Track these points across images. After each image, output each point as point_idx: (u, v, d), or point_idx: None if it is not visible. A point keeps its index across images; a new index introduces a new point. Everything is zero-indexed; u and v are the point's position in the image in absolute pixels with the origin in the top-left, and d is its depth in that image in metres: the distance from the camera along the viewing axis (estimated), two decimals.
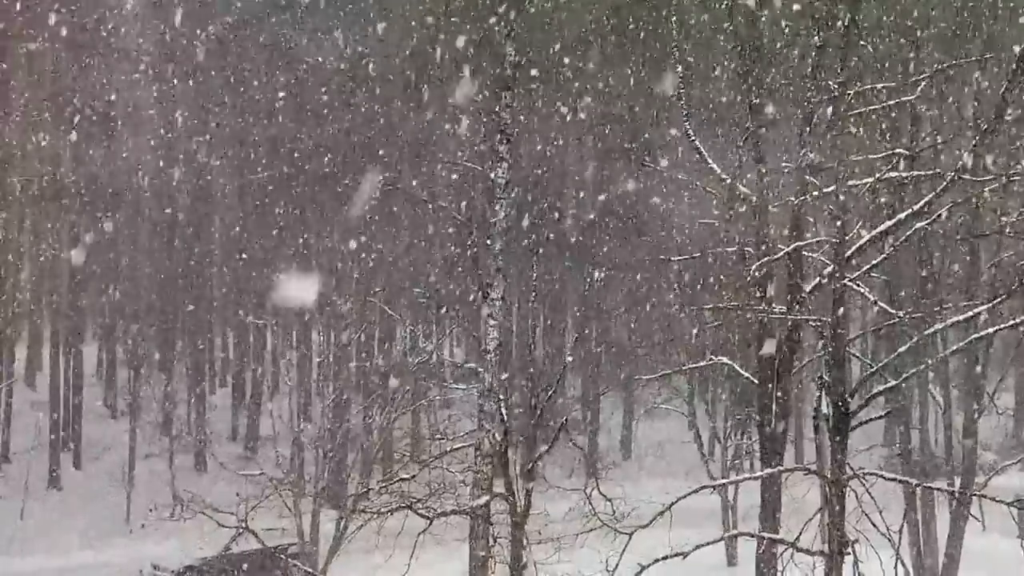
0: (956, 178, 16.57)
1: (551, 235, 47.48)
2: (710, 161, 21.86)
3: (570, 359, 23.83)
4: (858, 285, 17.95)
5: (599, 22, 47.80)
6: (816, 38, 19.59)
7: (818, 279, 19.73)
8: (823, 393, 16.40)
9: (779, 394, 21.16)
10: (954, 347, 20.62)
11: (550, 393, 21.79)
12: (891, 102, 20.51)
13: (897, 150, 19.55)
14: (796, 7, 21.66)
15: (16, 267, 50.02)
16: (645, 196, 45.76)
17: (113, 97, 49.70)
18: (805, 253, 20.38)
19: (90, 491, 45.25)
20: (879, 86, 20.58)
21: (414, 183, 43.93)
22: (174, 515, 31.93)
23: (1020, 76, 15.68)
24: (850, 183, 16.93)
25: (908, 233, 17.60)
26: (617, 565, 16.54)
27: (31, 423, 47.47)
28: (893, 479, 17.91)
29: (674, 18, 27.12)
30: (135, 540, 40.92)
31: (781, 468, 20.71)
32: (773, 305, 20.80)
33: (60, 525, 42.01)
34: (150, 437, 49.39)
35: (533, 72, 35.98)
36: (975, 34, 32.92)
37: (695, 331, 35.07)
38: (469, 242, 23.70)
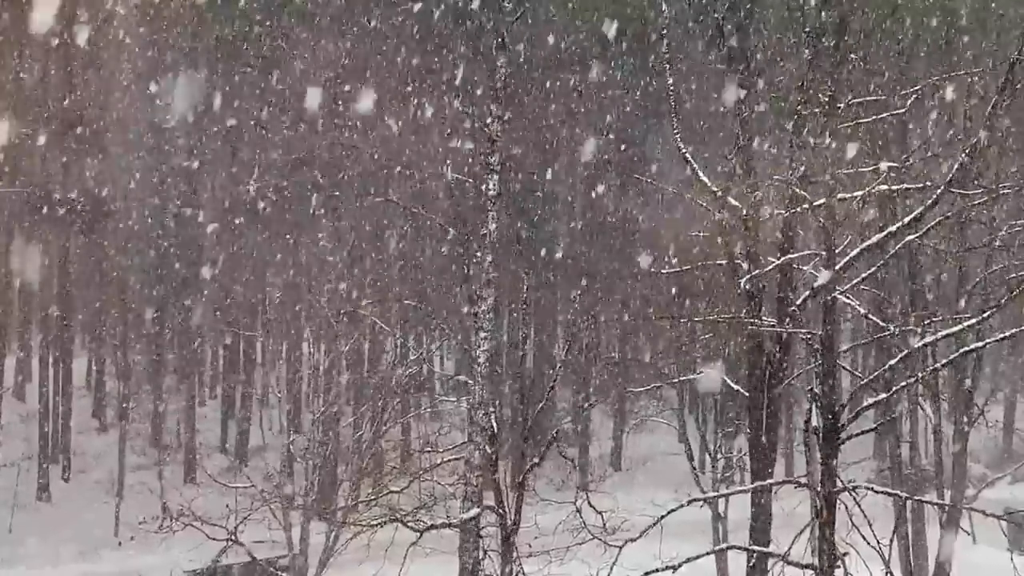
0: (946, 191, 16.56)
1: (543, 246, 47.47)
2: (700, 173, 21.83)
3: (560, 371, 23.69)
4: (848, 298, 17.95)
5: (591, 34, 47.90)
6: (807, 50, 19.61)
7: (808, 292, 19.71)
8: (813, 406, 16.37)
9: (769, 407, 21.13)
10: (944, 360, 20.59)
11: (540, 405, 21.74)
12: (883, 115, 20.50)
13: (887, 163, 19.53)
14: (786, 18, 21.70)
15: (5, 278, 49.83)
16: (636, 208, 45.78)
17: (103, 108, 49.59)
18: (795, 266, 20.37)
19: (79, 503, 45.09)
20: (870, 98, 20.57)
21: (404, 194, 43.88)
22: (163, 527, 31.79)
23: (1010, 88, 15.69)
24: (840, 195, 16.93)
25: (898, 246, 17.59)
26: None
27: (20, 435, 47.29)
28: (883, 492, 17.86)
29: (664, 31, 27.09)
30: (124, 552, 40.78)
31: (771, 481, 20.67)
32: (763, 317, 20.78)
33: (49, 537, 41.83)
34: (139, 449, 49.24)
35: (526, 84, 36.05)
36: (966, 46, 32.99)
37: (685, 343, 35.04)
38: (459, 253, 23.60)
